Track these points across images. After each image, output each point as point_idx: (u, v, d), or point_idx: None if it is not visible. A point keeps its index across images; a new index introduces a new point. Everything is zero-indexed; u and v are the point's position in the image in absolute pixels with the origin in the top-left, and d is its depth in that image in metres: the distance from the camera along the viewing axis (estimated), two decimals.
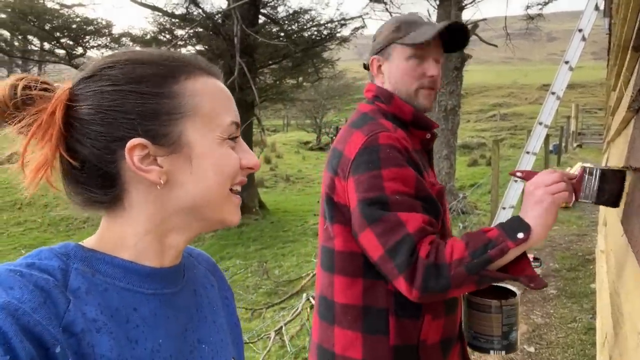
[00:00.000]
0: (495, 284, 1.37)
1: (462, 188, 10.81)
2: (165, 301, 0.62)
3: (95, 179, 0.59)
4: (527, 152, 5.16)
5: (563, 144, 15.91)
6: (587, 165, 1.06)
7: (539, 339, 3.60)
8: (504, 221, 1.06)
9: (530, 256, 4.90)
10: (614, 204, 1.06)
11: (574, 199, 1.06)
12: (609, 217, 1.87)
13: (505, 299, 1.24)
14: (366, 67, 1.36)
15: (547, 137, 9.36)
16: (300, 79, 12.77)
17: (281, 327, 4.38)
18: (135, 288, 0.60)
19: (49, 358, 0.47)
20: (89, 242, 0.61)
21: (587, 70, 34.48)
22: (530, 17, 10.47)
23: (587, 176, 1.05)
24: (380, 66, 1.29)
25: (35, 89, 0.57)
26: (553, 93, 5.01)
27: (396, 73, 1.26)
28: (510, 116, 28.26)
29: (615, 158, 1.99)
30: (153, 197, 0.60)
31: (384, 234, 1.06)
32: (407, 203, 1.07)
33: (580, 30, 4.85)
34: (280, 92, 12.03)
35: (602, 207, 4.19)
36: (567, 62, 4.93)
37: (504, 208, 5.19)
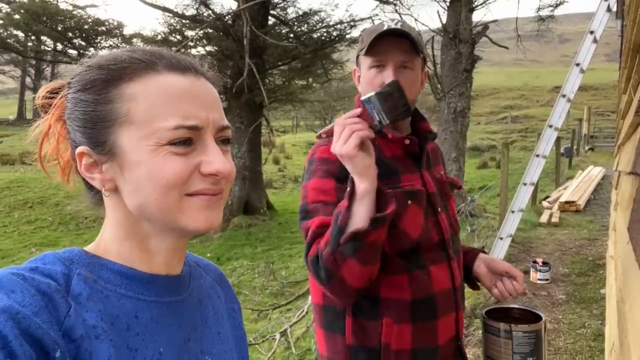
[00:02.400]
0: (523, 308, 1.31)
1: (472, 190, 10.74)
2: (167, 309, 0.62)
3: (84, 180, 0.63)
4: (537, 155, 5.11)
5: (575, 147, 15.74)
6: (363, 97, 1.04)
7: (547, 344, 3.55)
8: None
9: (539, 260, 4.84)
10: (407, 112, 1.05)
11: (372, 132, 1.03)
12: (618, 222, 1.84)
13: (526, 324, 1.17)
14: None
15: (559, 139, 9.27)
16: (310, 80, 12.77)
17: (286, 329, 4.37)
18: (136, 295, 0.59)
19: None
20: (91, 247, 0.62)
21: (600, 72, 34.10)
22: (542, 19, 10.38)
23: (366, 106, 1.03)
24: (359, 76, 1.31)
25: (45, 98, 0.63)
26: (564, 95, 4.95)
27: (362, 82, 1.27)
28: (522, 118, 28.05)
29: (624, 163, 1.96)
30: (114, 203, 0.61)
31: (304, 240, 1.15)
32: (321, 210, 1.14)
33: (591, 32, 4.80)
34: (290, 93, 12.04)
35: (612, 213, 4.13)
36: (578, 64, 4.87)
37: (512, 211, 5.14)
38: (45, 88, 0.63)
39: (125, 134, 0.57)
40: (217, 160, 0.58)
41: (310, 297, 1.36)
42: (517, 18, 9.46)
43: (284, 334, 4.33)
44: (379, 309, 1.16)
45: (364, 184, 1.03)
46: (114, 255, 0.61)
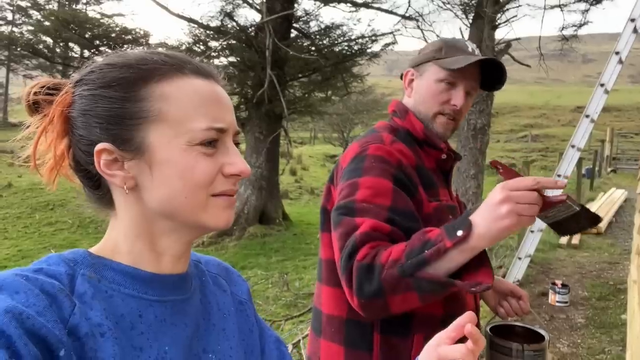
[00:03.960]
0: (525, 326, 1.31)
1: None
2: (171, 308, 0.62)
3: (88, 179, 0.63)
4: (559, 175, 5.03)
5: (596, 169, 15.46)
6: (568, 198, 0.94)
7: None
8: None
9: (559, 283, 4.74)
10: (562, 234, 1.03)
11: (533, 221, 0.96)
12: None
13: (531, 343, 1.16)
14: (402, 77, 1.34)
15: (580, 160, 9.12)
16: (329, 92, 12.82)
17: (299, 340, 4.34)
18: (140, 294, 0.60)
19: None
20: (96, 248, 0.62)
21: (623, 93, 33.57)
22: (565, 38, 10.30)
23: (562, 206, 0.94)
24: (412, 80, 1.27)
25: (40, 94, 0.61)
26: (587, 116, 4.89)
27: (423, 91, 1.23)
28: (542, 138, 27.71)
29: None
30: (131, 201, 0.61)
31: (342, 237, 1.03)
32: (372, 211, 1.03)
33: (617, 53, 4.75)
34: (309, 105, 12.11)
35: (636, 236, 4.03)
36: (602, 85, 4.82)
37: (532, 231, 5.07)
38: (38, 84, 0.61)
39: (155, 132, 0.58)
40: (239, 161, 0.62)
41: (313, 307, 1.24)
42: (540, 37, 9.40)
43: (296, 345, 4.30)
44: (411, 326, 1.10)
45: (484, 243, 0.93)
46: (123, 254, 0.61)
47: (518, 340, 1.19)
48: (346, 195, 1.08)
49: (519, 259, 5.02)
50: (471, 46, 1.22)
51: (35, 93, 0.60)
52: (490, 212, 0.91)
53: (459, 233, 0.92)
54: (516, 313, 1.30)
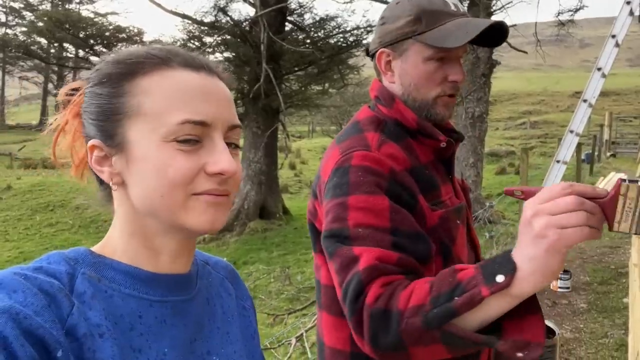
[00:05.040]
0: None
1: (489, 197, 10.60)
2: (172, 309, 0.61)
3: (95, 175, 0.63)
4: (558, 161, 5.03)
5: (596, 153, 15.46)
6: (624, 176, 0.71)
7: (568, 354, 3.48)
8: (493, 256, 0.79)
9: None
10: None
11: (600, 232, 0.72)
12: None
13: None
14: (369, 53, 1.11)
15: (579, 145, 9.11)
16: (326, 85, 12.78)
17: (302, 334, 4.36)
18: (141, 295, 0.58)
19: None
20: (97, 246, 0.62)
21: (621, 77, 33.52)
22: (562, 23, 10.25)
23: (622, 195, 0.69)
24: (389, 61, 1.05)
25: (65, 95, 0.63)
26: (585, 100, 4.88)
27: (412, 75, 1.02)
28: (541, 124, 27.65)
29: None
30: (122, 198, 0.60)
31: (339, 271, 0.87)
32: (371, 237, 0.86)
33: (613, 36, 4.72)
34: (306, 99, 12.08)
35: None
36: (599, 69, 4.80)
37: None
38: (67, 86, 0.64)
39: (134, 127, 0.57)
40: (222, 159, 0.57)
41: (324, 341, 1.09)
42: (536, 23, 9.35)
43: (299, 338, 4.32)
44: None
45: (532, 283, 0.70)
46: (120, 253, 0.60)
47: None
48: (335, 218, 0.90)
49: None
50: (451, 1, 1.02)
51: (65, 94, 0.63)
52: (525, 236, 0.71)
53: (499, 279, 0.71)
54: None
